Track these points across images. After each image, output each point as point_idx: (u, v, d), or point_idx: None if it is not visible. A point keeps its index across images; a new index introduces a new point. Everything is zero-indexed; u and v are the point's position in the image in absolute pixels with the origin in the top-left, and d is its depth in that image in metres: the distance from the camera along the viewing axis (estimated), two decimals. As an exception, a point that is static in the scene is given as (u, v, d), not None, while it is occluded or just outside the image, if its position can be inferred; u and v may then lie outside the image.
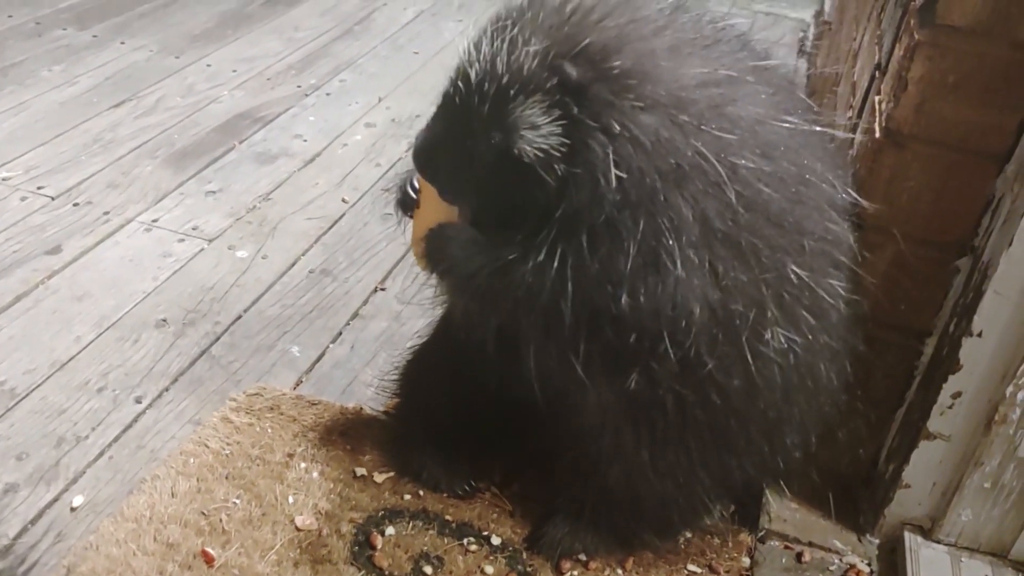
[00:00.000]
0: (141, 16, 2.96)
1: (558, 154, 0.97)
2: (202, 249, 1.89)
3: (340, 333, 1.70)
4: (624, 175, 0.95)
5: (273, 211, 2.04)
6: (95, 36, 2.78)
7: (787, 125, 1.05)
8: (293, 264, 1.88)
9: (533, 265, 1.00)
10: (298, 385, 1.57)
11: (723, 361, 1.03)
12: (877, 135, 1.15)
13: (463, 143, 1.02)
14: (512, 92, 0.97)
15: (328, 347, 1.67)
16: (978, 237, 1.15)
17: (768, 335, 1.03)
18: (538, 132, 0.98)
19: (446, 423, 1.32)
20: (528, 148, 0.98)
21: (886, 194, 1.16)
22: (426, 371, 1.34)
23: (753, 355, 1.03)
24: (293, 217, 2.03)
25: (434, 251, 1.10)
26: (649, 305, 0.98)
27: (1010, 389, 1.13)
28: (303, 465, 1.34)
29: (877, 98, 1.22)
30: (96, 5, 2.99)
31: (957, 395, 1.18)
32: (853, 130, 1.34)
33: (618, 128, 0.95)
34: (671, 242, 0.97)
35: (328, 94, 2.62)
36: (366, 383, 1.57)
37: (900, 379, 1.28)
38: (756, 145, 1.00)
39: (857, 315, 1.15)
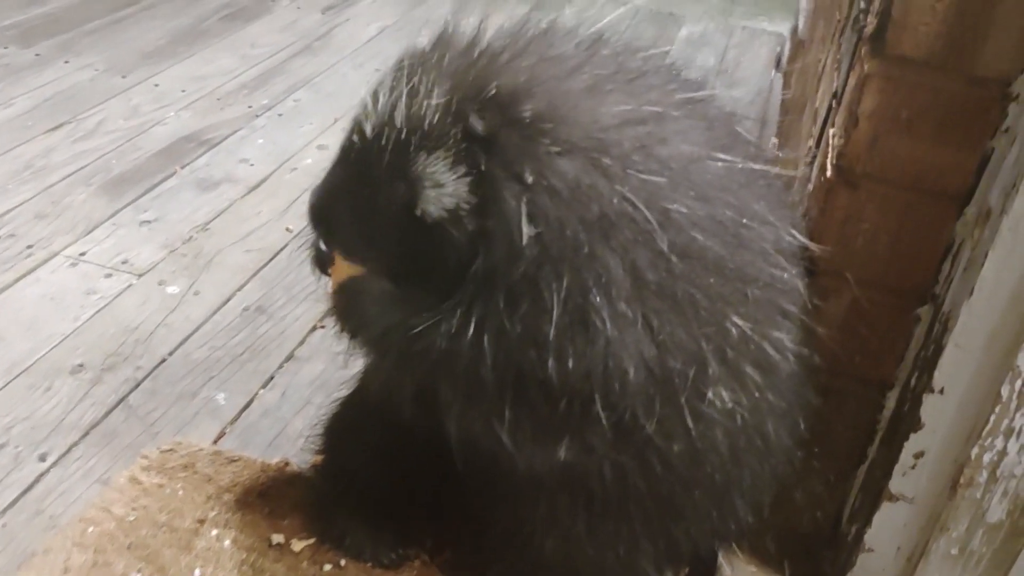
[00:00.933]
0: (90, 33, 2.85)
1: (467, 209, 0.88)
2: (130, 285, 1.78)
3: (271, 377, 1.59)
4: (541, 228, 0.86)
5: (210, 243, 1.93)
6: (38, 55, 2.67)
7: (723, 163, 0.95)
8: (227, 301, 1.77)
9: (447, 331, 0.90)
10: (220, 437, 1.46)
11: (662, 425, 0.93)
12: (829, 173, 1.05)
13: (361, 202, 0.92)
14: (413, 147, 0.88)
15: (257, 393, 1.55)
16: (939, 284, 1.05)
17: (710, 394, 0.92)
18: (443, 190, 0.88)
19: (373, 484, 1.21)
20: (433, 207, 0.89)
21: (840, 236, 1.06)
22: (351, 427, 1.23)
23: (695, 417, 0.93)
24: (231, 249, 1.92)
25: (344, 307, 1.00)
26: (578, 367, 0.88)
27: (975, 450, 1.02)
28: (214, 532, 1.23)
29: (831, 131, 1.12)
30: (43, 22, 2.88)
31: (919, 455, 1.07)
32: (809, 164, 1.25)
33: (532, 177, 0.86)
34: (599, 298, 0.87)
35: (280, 115, 2.51)
36: (295, 434, 1.46)
37: (861, 433, 1.18)
38: (690, 187, 0.91)
39: (809, 368, 1.05)
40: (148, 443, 1.42)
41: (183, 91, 2.57)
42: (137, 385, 1.54)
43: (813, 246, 1.01)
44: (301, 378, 1.59)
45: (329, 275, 1.08)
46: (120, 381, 1.54)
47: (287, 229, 2.00)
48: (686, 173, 0.91)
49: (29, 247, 1.85)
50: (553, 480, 1.00)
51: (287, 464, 1.38)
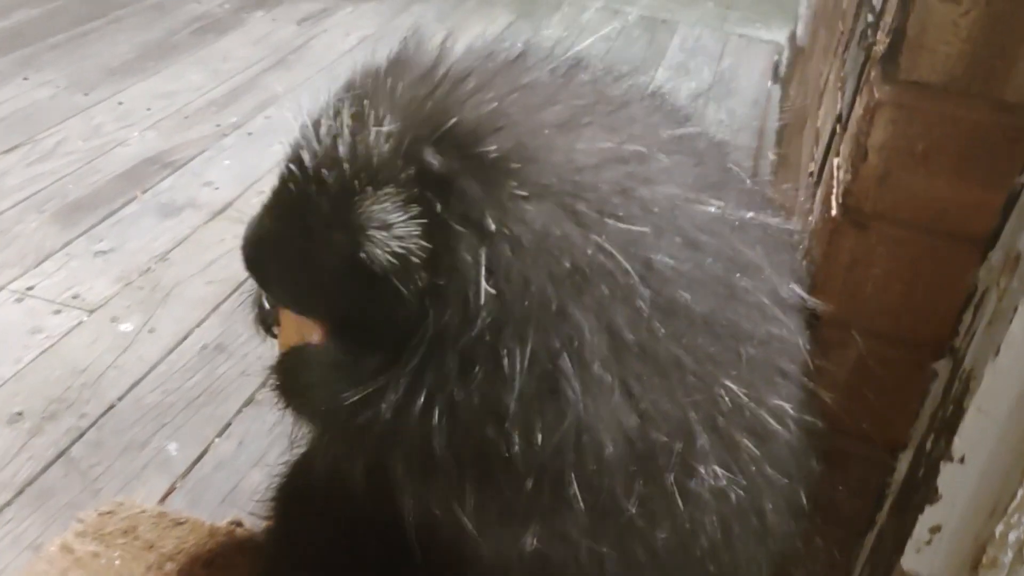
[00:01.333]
0: (53, 48, 2.73)
1: (418, 260, 0.77)
2: (80, 322, 1.65)
3: (228, 424, 1.47)
4: (502, 285, 0.75)
5: (169, 274, 1.81)
6: (-4, 72, 2.55)
7: (715, 207, 0.84)
8: (184, 338, 1.65)
9: (394, 400, 0.79)
10: (169, 493, 1.33)
11: (645, 507, 0.81)
12: (834, 211, 0.94)
13: (297, 249, 0.81)
14: (358, 183, 0.77)
15: (212, 442, 1.43)
16: (958, 337, 0.93)
17: (701, 471, 0.81)
18: (391, 233, 0.77)
19: (326, 558, 1.08)
20: (379, 253, 0.77)
21: (846, 283, 0.95)
22: (301, 494, 1.11)
23: (683, 497, 0.81)
24: (191, 281, 1.80)
25: (287, 380, 0.88)
26: (547, 443, 0.76)
27: (1000, 527, 0.91)
28: (153, 609, 1.11)
29: (836, 161, 1.01)
30: (2, 36, 2.75)
31: (936, 529, 0.96)
32: (811, 195, 1.13)
33: (494, 225, 0.75)
34: (570, 363, 0.76)
35: (250, 133, 2.39)
36: (251, 489, 1.34)
37: (868, 499, 1.06)
38: (676, 234, 0.80)
39: (812, 434, 0.93)
40: (88, 502, 1.29)
41: (148, 109, 2.45)
42: (81, 435, 1.41)
43: (815, 301, 0.90)
44: (261, 425, 1.47)
45: (275, 336, 0.96)
46: (62, 431, 1.42)
47: (252, 258, 1.88)
48: (672, 219, 0.81)
49: (-28, 281, 1.73)
50: (522, 569, 0.88)
51: (238, 526, 1.26)
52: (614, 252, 0.76)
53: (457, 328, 0.76)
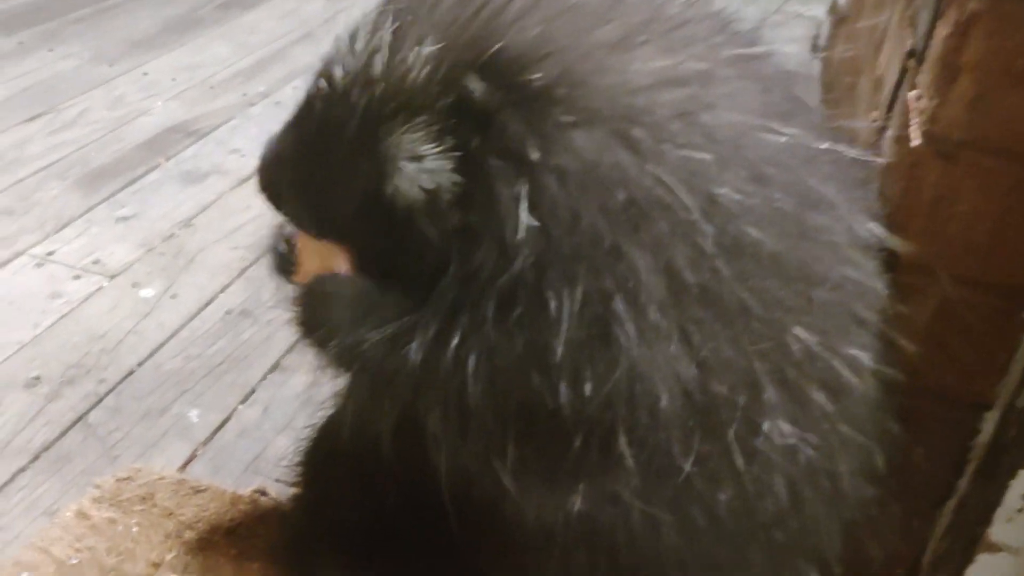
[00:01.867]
0: (77, 21, 2.69)
1: (449, 196, 0.70)
2: (100, 288, 1.59)
3: (253, 391, 1.40)
4: (547, 220, 0.67)
5: (193, 239, 1.75)
6: (20, 43, 2.51)
7: (784, 134, 0.75)
8: (208, 304, 1.58)
9: (424, 342, 0.71)
10: (190, 461, 1.27)
11: (705, 466, 0.72)
12: (914, 143, 0.84)
13: (321, 169, 0.74)
14: (389, 108, 0.70)
15: (236, 409, 1.36)
16: (1057, 281, 0.84)
17: (767, 427, 0.72)
18: (421, 165, 0.70)
19: (354, 525, 1.01)
20: (406, 187, 0.70)
21: (928, 223, 0.85)
22: (330, 457, 1.03)
23: (747, 456, 0.72)
24: (215, 246, 1.74)
25: (309, 312, 0.80)
26: (597, 394, 0.68)
27: (1107, 492, 0.82)
28: (171, 579, 1.04)
29: (912, 94, 0.91)
30: (28, 10, 2.72)
31: (1030, 496, 0.86)
32: (877, 137, 1.04)
33: (536, 155, 0.67)
34: (624, 306, 0.68)
35: (278, 103, 2.32)
36: (276, 457, 1.27)
37: (947, 464, 0.97)
38: (742, 165, 0.71)
39: (890, 388, 0.84)
40: (106, 468, 1.23)
41: (173, 80, 2.39)
42: (99, 401, 1.36)
43: (895, 238, 0.81)
44: (286, 391, 1.40)
45: (294, 282, 0.89)
46: (79, 397, 1.36)
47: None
48: (737, 148, 0.72)
49: (-9, 246, 1.68)
50: (568, 534, 0.80)
51: (262, 494, 1.19)
52: (673, 183, 0.68)
53: (493, 268, 0.69)
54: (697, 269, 0.69)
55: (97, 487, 1.16)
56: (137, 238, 1.74)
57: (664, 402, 0.68)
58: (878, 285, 0.81)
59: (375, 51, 0.70)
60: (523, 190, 0.67)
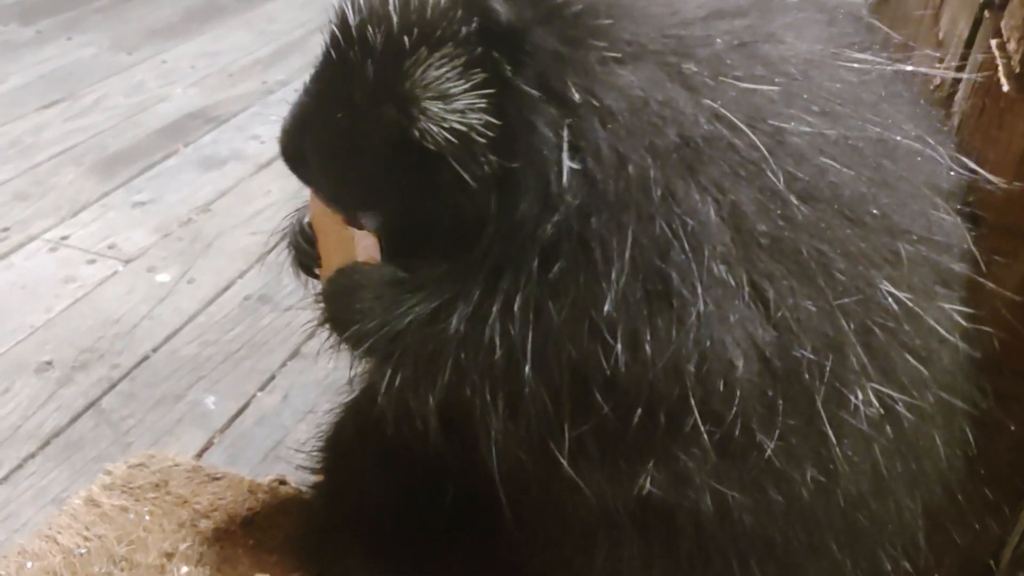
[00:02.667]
0: (97, 11, 2.65)
1: (483, 138, 0.63)
2: (115, 272, 1.54)
3: (272, 378, 1.33)
4: (591, 165, 0.61)
5: (210, 225, 1.69)
6: (39, 32, 2.47)
7: (857, 66, 0.67)
8: (225, 289, 1.52)
9: (467, 312, 0.65)
10: (207, 449, 1.20)
11: (787, 441, 0.65)
12: (1005, 87, 0.76)
13: (343, 122, 0.68)
14: (409, 43, 0.63)
15: (254, 396, 1.30)
16: None
17: (856, 395, 0.64)
18: (450, 104, 0.64)
19: (380, 514, 0.94)
20: (435, 129, 0.64)
21: (1019, 172, 0.77)
22: (354, 442, 0.96)
23: (834, 428, 0.65)
24: (233, 232, 1.67)
25: (338, 308, 0.74)
26: (660, 359, 0.61)
27: None
28: (184, 570, 0.97)
29: (994, 42, 0.83)
30: (48, 0, 2.68)
31: None
32: (955, 78, 0.95)
33: (578, 96, 0.61)
34: (683, 257, 0.60)
35: (297, 90, 2.26)
36: (296, 444, 1.20)
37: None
38: (811, 99, 0.64)
39: (981, 353, 0.75)
40: (118, 456, 1.17)
41: (192, 67, 2.34)
42: (112, 386, 1.29)
43: (990, 177, 0.72)
44: (306, 378, 1.33)
45: (317, 276, 0.83)
46: (91, 382, 1.30)
47: (298, 209, 1.75)
48: (806, 80, 0.65)
49: (5, 230, 1.63)
50: (633, 523, 0.72)
51: (282, 483, 1.12)
52: (734, 119, 0.61)
53: (536, 219, 0.62)
54: (767, 216, 0.62)
55: (108, 473, 1.10)
56: (153, 223, 1.68)
57: (740, 369, 0.61)
58: (967, 236, 0.72)
59: None
60: (565, 133, 0.61)
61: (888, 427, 0.66)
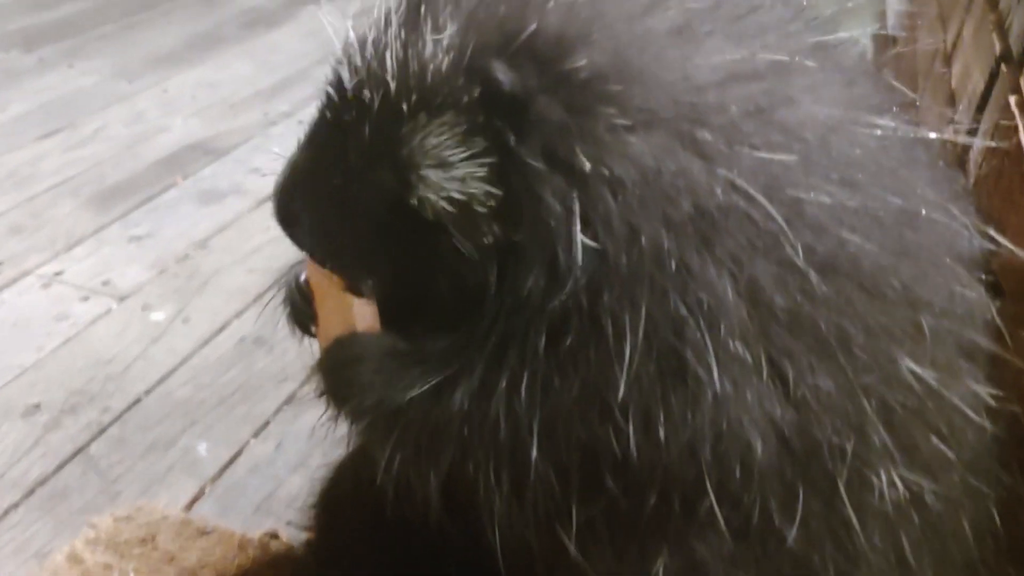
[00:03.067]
0: (100, 38, 2.64)
1: (485, 209, 0.61)
2: (109, 310, 1.51)
3: (266, 424, 1.30)
4: (603, 239, 0.58)
5: (208, 261, 1.66)
6: (41, 59, 2.47)
7: (878, 131, 0.65)
8: (221, 329, 1.49)
9: (471, 389, 0.62)
10: (197, 499, 1.17)
11: (808, 526, 0.62)
12: (1026, 150, 0.74)
13: (337, 185, 0.65)
14: (408, 108, 0.61)
15: (248, 443, 1.26)
16: None
17: (880, 478, 0.61)
18: (449, 173, 0.61)
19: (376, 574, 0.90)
20: (433, 197, 0.61)
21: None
22: (349, 502, 0.92)
23: (857, 512, 0.62)
24: (231, 269, 1.65)
25: (336, 381, 0.71)
26: (675, 441, 0.59)
27: None
28: (169, 633, 0.93)
29: (1014, 99, 0.81)
30: (51, 27, 2.68)
31: None
32: (960, 149, 0.93)
33: (588, 165, 0.58)
34: (699, 336, 0.57)
35: (300, 122, 2.22)
36: (289, 497, 1.17)
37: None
38: (830, 167, 0.61)
39: (1007, 430, 0.72)
40: (106, 506, 1.13)
41: (193, 97, 2.33)
42: (102, 431, 1.26)
43: (1012, 246, 0.70)
44: (302, 426, 1.30)
45: (313, 335, 0.80)
46: (80, 426, 1.26)
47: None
48: (825, 147, 0.62)
49: (-2, 264, 1.60)
50: None
51: (274, 537, 1.08)
52: (750, 189, 0.58)
53: (543, 293, 0.59)
54: (785, 290, 0.59)
55: (92, 527, 1.06)
56: (150, 258, 1.65)
57: (758, 450, 0.58)
58: (990, 308, 0.69)
59: (386, 47, 0.61)
60: (574, 205, 0.58)
61: (913, 511, 0.63)
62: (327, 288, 0.76)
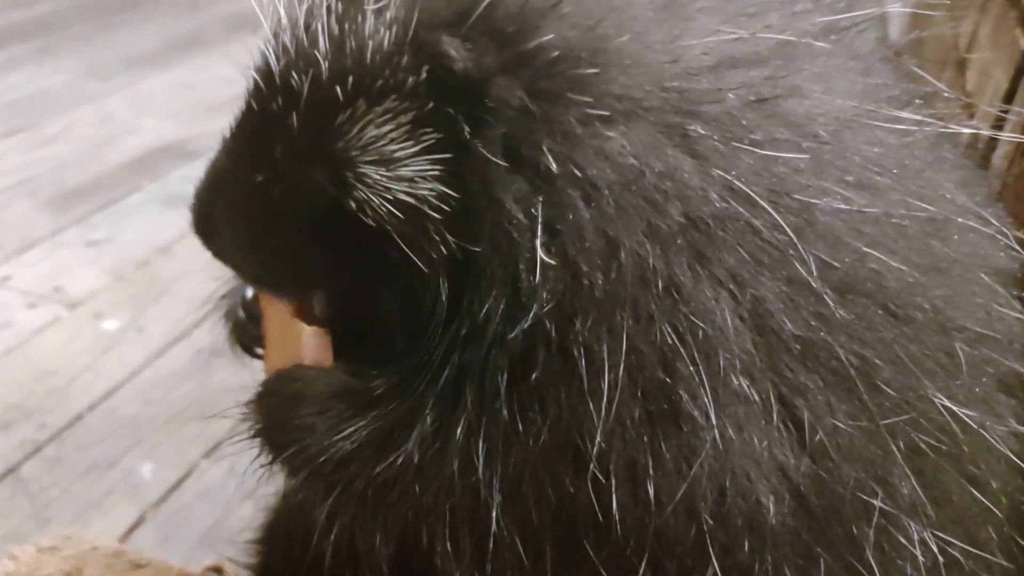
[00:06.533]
0: (74, 38, 2.54)
1: (438, 215, 0.52)
2: (57, 319, 1.41)
3: (219, 444, 1.20)
4: (572, 253, 0.50)
5: (169, 268, 1.56)
6: (10, 57, 2.36)
7: (900, 126, 0.56)
8: (177, 340, 1.39)
9: (420, 435, 0.54)
10: (136, 527, 1.07)
11: None
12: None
13: (262, 186, 0.56)
14: (343, 94, 0.52)
15: (197, 464, 1.16)
16: None
17: (911, 540, 0.52)
18: (395, 171, 0.52)
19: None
20: (375, 200, 0.52)
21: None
22: (289, 541, 0.82)
23: None
24: (194, 277, 1.53)
25: (273, 423, 0.61)
26: (668, 499, 0.50)
27: None
28: None
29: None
30: (26, 25, 2.58)
31: None
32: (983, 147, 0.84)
33: (554, 164, 0.49)
34: (694, 368, 0.49)
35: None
36: (241, 525, 1.06)
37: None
38: (846, 168, 0.54)
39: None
40: (33, 533, 1.03)
41: (168, 99, 2.23)
42: (36, 451, 1.16)
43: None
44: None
45: (259, 357, 0.71)
46: (14, 444, 1.16)
47: (266, 255, 1.63)
48: (838, 144, 0.54)
49: (-58, 268, 1.50)
50: None
51: (217, 571, 0.98)
52: (752, 193, 0.50)
53: (504, 319, 0.51)
54: (796, 314, 0.50)
55: (12, 558, 0.95)
56: (106, 264, 1.56)
57: (770, 509, 0.49)
58: None
59: (319, 26, 0.52)
60: (537, 211, 0.49)
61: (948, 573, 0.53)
62: (274, 309, 0.67)
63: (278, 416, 0.60)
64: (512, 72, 0.50)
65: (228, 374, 1.32)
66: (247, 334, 0.74)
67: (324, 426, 0.57)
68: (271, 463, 0.62)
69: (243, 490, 1.11)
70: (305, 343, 0.63)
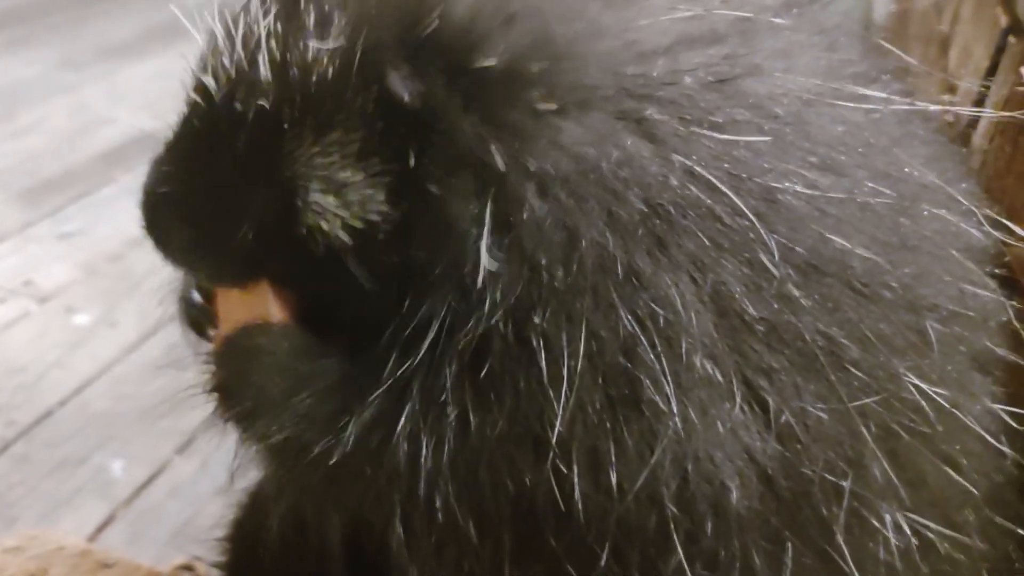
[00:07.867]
0: (51, 28, 2.51)
1: (387, 230, 0.51)
2: (27, 313, 1.38)
3: (191, 440, 1.17)
4: (527, 245, 0.49)
5: (143, 261, 1.49)
6: (-17, 48, 2.33)
7: (867, 104, 0.55)
8: (150, 335, 1.36)
9: (364, 421, 0.52)
10: (107, 525, 1.05)
11: None
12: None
13: (210, 204, 0.55)
14: (288, 120, 0.50)
15: (170, 461, 1.14)
16: None
17: (883, 522, 0.51)
18: (343, 196, 0.51)
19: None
20: (326, 227, 0.51)
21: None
22: (257, 539, 0.80)
23: (858, 565, 0.51)
24: (168, 270, 1.51)
25: (232, 375, 0.60)
26: (630, 485, 0.49)
27: None
28: None
29: (1026, 70, 0.70)
30: (-2, 15, 2.54)
31: None
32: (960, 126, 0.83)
33: (501, 163, 0.48)
34: (655, 352, 0.48)
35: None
36: (211, 524, 1.04)
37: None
38: (809, 148, 0.53)
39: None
40: (0, 533, 1.00)
41: (144, 90, 2.19)
42: (4, 448, 1.14)
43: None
44: (231, 443, 1.17)
45: (210, 338, 0.69)
46: (-19, 442, 1.14)
47: (243, 246, 1.60)
48: (801, 124, 0.53)
49: (-92, 263, 1.47)
50: None
51: (188, 570, 0.96)
52: (712, 178, 0.49)
53: (453, 318, 0.50)
54: (759, 296, 0.49)
55: (-24, 560, 0.93)
56: (79, 257, 1.53)
57: (736, 493, 0.48)
58: (1002, 308, 0.59)
59: (256, 46, 0.50)
60: (486, 211, 0.48)
61: (920, 559, 0.52)
62: (232, 295, 0.64)
63: (237, 367, 0.59)
64: (462, 93, 0.48)
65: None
66: (201, 313, 0.72)
67: (284, 383, 0.56)
68: (224, 417, 0.60)
69: (214, 487, 1.11)
70: (273, 301, 0.62)
